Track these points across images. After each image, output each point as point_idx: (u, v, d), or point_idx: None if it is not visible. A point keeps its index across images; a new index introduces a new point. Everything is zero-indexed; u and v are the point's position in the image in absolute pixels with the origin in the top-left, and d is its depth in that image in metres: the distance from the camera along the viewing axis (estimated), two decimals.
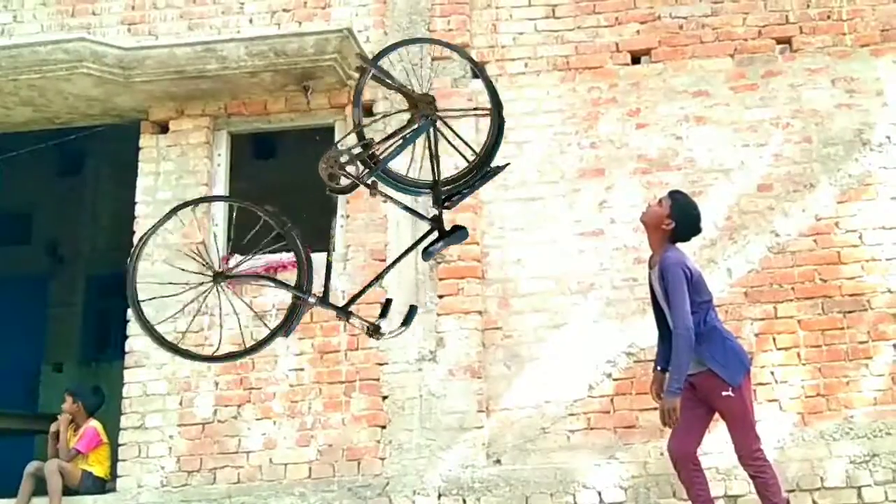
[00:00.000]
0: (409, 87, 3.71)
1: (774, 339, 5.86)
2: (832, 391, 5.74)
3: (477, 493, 5.66)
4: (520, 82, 6.47)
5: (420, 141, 3.71)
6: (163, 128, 6.66)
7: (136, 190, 6.57)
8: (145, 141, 6.65)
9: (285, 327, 3.60)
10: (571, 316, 6.02)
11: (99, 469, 6.43)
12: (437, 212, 3.72)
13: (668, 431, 4.53)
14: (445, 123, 3.75)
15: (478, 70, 3.94)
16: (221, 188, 6.62)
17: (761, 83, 6.31)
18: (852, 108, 6.21)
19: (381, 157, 3.62)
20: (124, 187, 6.93)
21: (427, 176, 3.76)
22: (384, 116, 3.83)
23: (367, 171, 3.60)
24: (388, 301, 3.72)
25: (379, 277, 3.93)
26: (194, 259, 3.74)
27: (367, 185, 3.58)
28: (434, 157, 3.74)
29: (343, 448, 5.92)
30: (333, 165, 3.54)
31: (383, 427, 5.91)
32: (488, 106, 3.78)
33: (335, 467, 5.91)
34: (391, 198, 3.75)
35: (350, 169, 3.54)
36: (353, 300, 3.74)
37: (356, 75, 6.44)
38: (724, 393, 4.36)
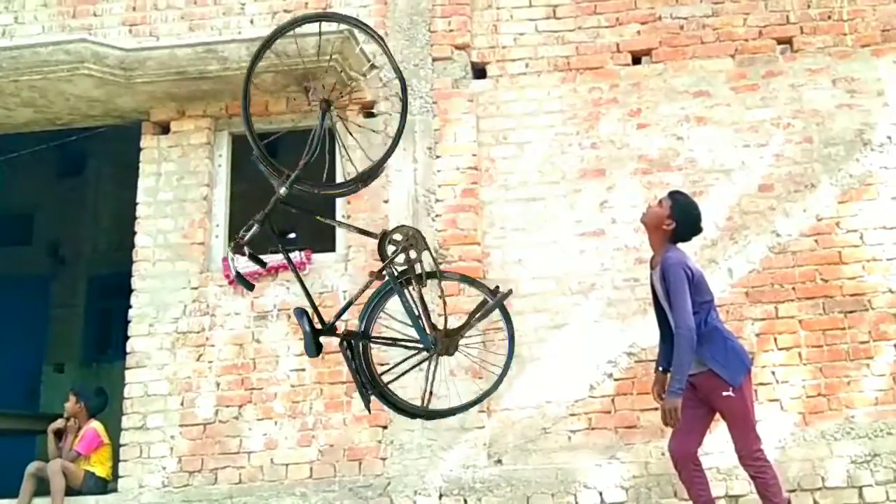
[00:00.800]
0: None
1: (775, 339, 5.86)
2: (833, 391, 5.74)
3: (478, 493, 5.67)
4: (521, 83, 6.48)
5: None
6: (164, 128, 6.67)
7: (137, 190, 6.58)
8: (146, 142, 6.66)
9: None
10: (572, 316, 6.02)
11: (101, 469, 6.44)
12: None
13: (669, 431, 4.53)
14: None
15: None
16: (222, 189, 6.62)
17: (762, 83, 6.31)
18: (853, 108, 6.21)
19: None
20: (125, 188, 6.94)
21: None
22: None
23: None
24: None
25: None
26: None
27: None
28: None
29: (344, 448, 5.93)
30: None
31: (384, 427, 5.91)
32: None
33: (336, 467, 5.91)
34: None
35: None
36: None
37: (358, 76, 6.46)
38: (724, 393, 4.36)
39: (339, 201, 6.44)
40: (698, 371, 4.42)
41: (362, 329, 3.93)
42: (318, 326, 3.84)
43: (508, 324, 4.08)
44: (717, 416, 4.53)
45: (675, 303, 4.37)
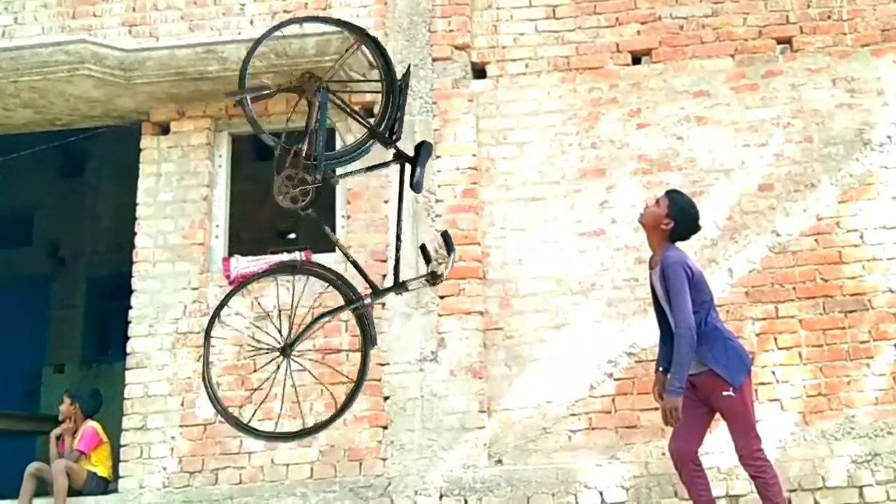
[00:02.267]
0: (286, 84, 3.85)
1: (776, 339, 5.86)
2: (833, 391, 5.74)
3: (478, 493, 5.66)
4: (520, 83, 6.48)
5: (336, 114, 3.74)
6: (164, 129, 6.67)
7: (137, 191, 6.58)
8: (146, 142, 6.66)
9: (370, 340, 3.71)
10: (572, 316, 6.02)
11: (102, 469, 6.44)
12: (393, 149, 3.82)
13: (670, 431, 4.53)
14: (334, 92, 3.88)
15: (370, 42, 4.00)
16: (222, 190, 6.62)
17: (762, 83, 6.31)
18: (853, 107, 6.21)
19: (313, 150, 3.64)
20: (125, 189, 6.95)
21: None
22: (288, 122, 3.91)
23: (313, 171, 3.62)
24: (423, 246, 3.92)
25: (399, 241, 4.01)
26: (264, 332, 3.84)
27: (327, 181, 3.62)
28: (353, 113, 3.92)
29: (345, 448, 5.93)
30: (287, 191, 3.55)
31: (385, 427, 5.91)
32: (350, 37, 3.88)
33: (337, 468, 5.91)
34: (353, 172, 3.86)
35: (301, 184, 3.58)
36: (396, 277, 3.85)
37: (357, 76, 6.46)
38: (724, 393, 4.36)
39: (340, 201, 6.44)
40: (698, 371, 4.42)
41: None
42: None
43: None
44: (717, 415, 4.53)
45: (674, 302, 4.37)
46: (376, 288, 3.78)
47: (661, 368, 4.65)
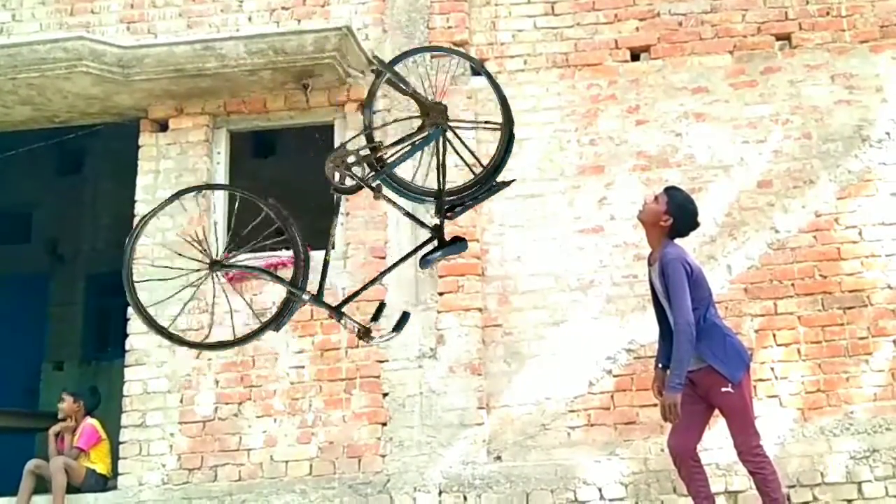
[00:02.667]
0: (423, 95, 3.71)
1: (774, 336, 5.87)
2: (832, 387, 5.75)
3: (478, 489, 5.67)
4: (519, 79, 6.47)
5: (428, 148, 3.67)
6: (162, 126, 6.67)
7: (135, 188, 6.58)
8: (145, 139, 6.66)
9: (276, 321, 3.61)
10: (571, 313, 6.02)
11: (101, 466, 6.45)
12: (438, 221, 3.71)
13: (669, 427, 4.54)
14: (455, 134, 3.74)
15: (492, 83, 3.95)
16: None
17: (760, 80, 6.31)
18: (852, 104, 6.21)
19: (388, 161, 3.61)
20: (124, 186, 6.93)
21: (432, 184, 3.74)
22: (394, 122, 3.84)
23: (372, 173, 3.60)
24: (382, 304, 3.73)
25: (376, 279, 3.92)
26: (193, 247, 3.71)
27: (371, 188, 3.60)
28: (441, 167, 3.74)
29: (344, 445, 5.93)
30: (340, 165, 3.55)
31: (384, 424, 5.92)
32: (499, 120, 3.79)
33: (336, 464, 5.92)
34: (394, 203, 3.75)
35: (356, 170, 3.54)
36: (347, 300, 3.77)
37: (356, 73, 6.46)
38: (723, 389, 4.36)
39: (338, 199, 6.42)
40: (697, 367, 4.42)
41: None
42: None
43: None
44: (716, 412, 4.53)
45: (674, 298, 4.37)
46: (320, 296, 3.71)
47: (660, 365, 4.65)
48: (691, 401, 4.42)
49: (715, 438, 5.64)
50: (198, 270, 3.82)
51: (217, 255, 3.82)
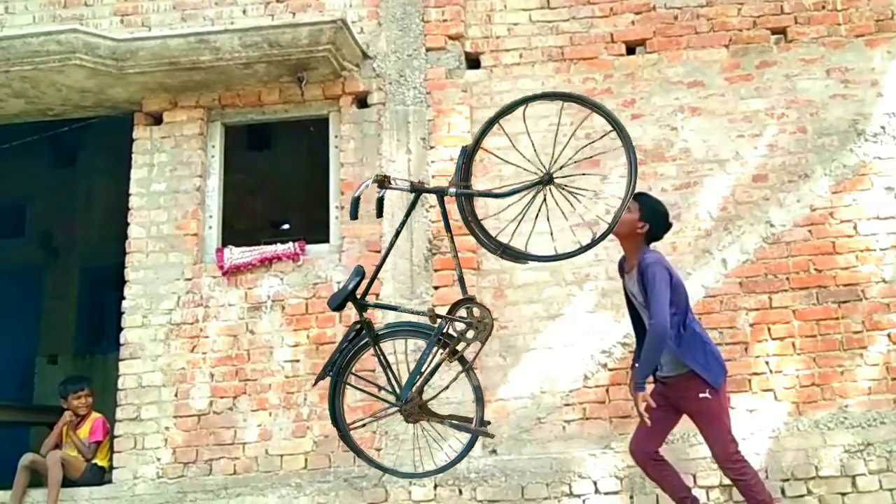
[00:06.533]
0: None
1: (769, 329, 5.88)
2: (827, 381, 5.77)
3: (473, 483, 5.67)
4: (514, 73, 6.46)
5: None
6: (156, 119, 6.64)
7: (129, 181, 6.55)
8: (139, 132, 6.63)
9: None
10: (567, 307, 6.02)
11: (101, 459, 6.43)
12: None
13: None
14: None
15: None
16: (215, 180, 6.59)
17: (756, 73, 6.31)
18: (847, 98, 6.21)
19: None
20: (118, 179, 6.92)
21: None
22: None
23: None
24: (380, 199, 3.97)
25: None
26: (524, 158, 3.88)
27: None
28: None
29: (339, 439, 5.92)
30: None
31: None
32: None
33: (331, 458, 5.92)
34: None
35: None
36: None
37: (350, 66, 6.44)
38: (702, 395, 4.37)
39: (333, 191, 6.43)
40: (677, 373, 4.44)
41: (377, 334, 3.99)
42: (358, 292, 3.91)
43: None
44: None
45: (653, 300, 4.34)
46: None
47: (636, 365, 4.63)
48: (661, 406, 4.45)
49: None
50: (533, 185, 3.90)
51: (551, 170, 3.86)
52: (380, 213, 4.07)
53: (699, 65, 6.36)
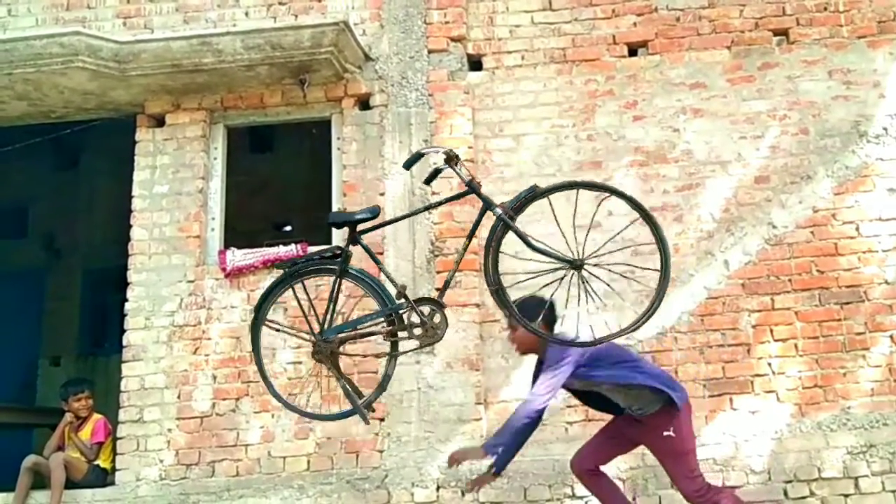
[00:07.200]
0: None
1: (772, 331, 5.87)
2: (829, 382, 5.76)
3: None
4: (516, 75, 6.47)
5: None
6: (159, 121, 6.65)
7: (132, 184, 6.56)
8: (141, 135, 6.64)
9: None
10: (569, 308, 6.00)
11: (104, 461, 6.43)
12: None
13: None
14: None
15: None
16: (218, 182, 6.60)
17: (758, 75, 6.31)
18: (849, 99, 6.21)
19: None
20: (120, 181, 6.93)
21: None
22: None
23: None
24: (437, 170, 3.96)
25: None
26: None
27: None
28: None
29: (341, 441, 5.93)
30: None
31: (381, 420, 5.91)
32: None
33: (334, 460, 5.92)
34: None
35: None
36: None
37: (353, 68, 6.44)
38: (665, 433, 4.37)
39: (336, 195, 6.43)
40: (650, 411, 4.42)
41: (349, 270, 3.97)
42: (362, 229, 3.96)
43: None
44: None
45: (543, 375, 4.35)
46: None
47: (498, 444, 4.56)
48: (617, 433, 4.53)
49: (712, 434, 5.67)
50: (558, 269, 4.03)
51: (580, 257, 3.98)
52: (428, 182, 4.09)
53: (701, 66, 6.36)
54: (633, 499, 5.51)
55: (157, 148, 6.59)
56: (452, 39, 6.53)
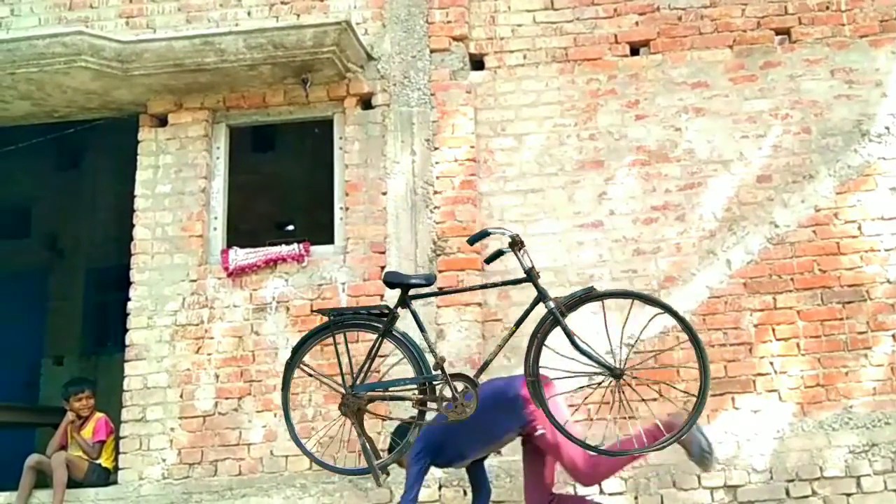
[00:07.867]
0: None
1: (774, 330, 5.87)
2: (831, 381, 5.76)
3: None
4: (518, 74, 6.47)
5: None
6: (161, 121, 6.66)
7: (135, 183, 6.57)
8: (144, 134, 6.65)
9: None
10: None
11: (106, 460, 6.44)
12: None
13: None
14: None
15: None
16: (220, 181, 6.61)
17: (760, 74, 6.31)
18: (851, 98, 6.21)
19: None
20: (123, 180, 6.94)
21: None
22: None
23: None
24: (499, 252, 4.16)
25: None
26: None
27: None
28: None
29: (344, 440, 5.92)
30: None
31: (384, 419, 5.90)
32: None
33: (336, 459, 5.91)
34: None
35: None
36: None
37: (355, 68, 6.45)
38: (537, 433, 4.48)
39: (338, 192, 6.44)
40: (517, 422, 4.53)
41: (392, 332, 4.06)
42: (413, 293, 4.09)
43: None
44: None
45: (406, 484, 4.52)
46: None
47: None
48: (531, 453, 4.61)
49: (713, 434, 5.65)
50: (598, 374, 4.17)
51: (620, 366, 4.11)
52: (489, 261, 4.27)
53: (703, 65, 6.36)
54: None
55: (159, 147, 6.60)
56: (454, 39, 6.53)
